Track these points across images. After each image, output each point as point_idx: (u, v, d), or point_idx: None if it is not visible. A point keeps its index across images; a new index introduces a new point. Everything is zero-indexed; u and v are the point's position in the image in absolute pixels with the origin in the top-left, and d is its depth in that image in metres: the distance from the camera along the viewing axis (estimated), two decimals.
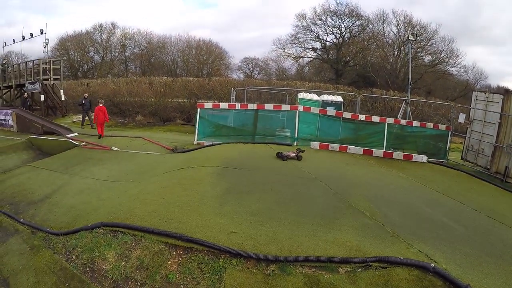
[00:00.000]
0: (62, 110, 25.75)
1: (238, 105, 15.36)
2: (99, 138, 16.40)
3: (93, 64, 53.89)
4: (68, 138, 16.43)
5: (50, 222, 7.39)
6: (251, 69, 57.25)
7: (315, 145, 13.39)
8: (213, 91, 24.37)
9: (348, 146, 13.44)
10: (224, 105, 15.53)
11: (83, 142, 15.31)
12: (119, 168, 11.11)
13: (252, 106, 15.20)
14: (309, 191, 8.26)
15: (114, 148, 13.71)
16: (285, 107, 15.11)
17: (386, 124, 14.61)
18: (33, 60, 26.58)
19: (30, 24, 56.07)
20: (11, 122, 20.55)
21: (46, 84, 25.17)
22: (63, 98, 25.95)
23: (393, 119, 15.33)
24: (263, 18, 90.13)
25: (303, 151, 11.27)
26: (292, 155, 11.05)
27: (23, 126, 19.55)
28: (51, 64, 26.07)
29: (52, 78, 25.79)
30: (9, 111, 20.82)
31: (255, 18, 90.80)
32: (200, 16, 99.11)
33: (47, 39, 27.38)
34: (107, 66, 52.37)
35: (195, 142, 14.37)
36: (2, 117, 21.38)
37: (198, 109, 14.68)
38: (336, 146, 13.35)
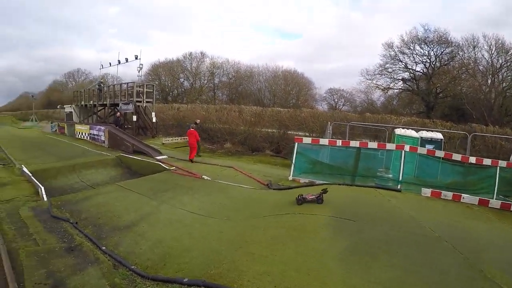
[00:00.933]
0: (152, 131, 26.43)
1: (339, 142, 13.67)
2: (191, 162, 16.16)
3: (183, 89, 56.85)
4: (158, 160, 16.21)
5: (135, 256, 6.32)
6: (336, 100, 55.68)
7: (427, 192, 11.15)
8: (304, 123, 22.96)
9: (462, 194, 11.00)
10: (324, 141, 13.94)
11: (173, 166, 14.71)
12: (211, 200, 9.96)
13: (354, 143, 13.42)
14: (438, 255, 6.33)
15: (205, 177, 12.69)
16: (390, 146, 13.14)
17: (498, 167, 11.93)
18: (127, 83, 28.09)
19: (125, 51, 61.85)
20: (103, 138, 21.58)
21: (138, 106, 26.22)
22: (154, 120, 26.78)
23: (505, 161, 12.54)
24: (346, 48, 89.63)
25: (326, 192, 9.06)
26: (310, 197, 8.93)
27: (114, 143, 20.30)
28: (145, 88, 27.46)
29: (144, 101, 27.03)
30: (103, 128, 21.93)
31: (338, 48, 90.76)
32: (284, 47, 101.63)
33: (141, 64, 29.58)
34: (196, 93, 54.79)
35: (290, 178, 12.87)
36: (96, 132, 22.66)
37: (296, 144, 13.29)
38: (449, 194, 11.00)
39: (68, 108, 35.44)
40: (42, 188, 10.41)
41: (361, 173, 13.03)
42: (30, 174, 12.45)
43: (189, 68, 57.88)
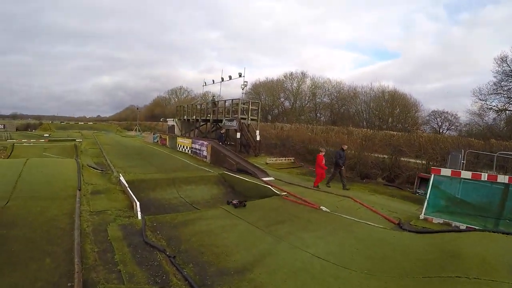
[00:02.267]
0: (255, 150, 25.05)
1: (484, 176, 10.24)
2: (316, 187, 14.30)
3: (283, 109, 55.60)
4: (265, 182, 14.34)
5: None
6: (440, 123, 49.31)
7: None
8: (423, 149, 19.47)
9: None
10: (466, 174, 10.61)
11: (284, 191, 12.60)
12: (338, 241, 7.53)
13: (503, 178, 9.94)
14: None
15: (324, 208, 10.31)
16: None
17: None
18: (232, 99, 27.18)
19: (226, 72, 63.33)
20: (205, 153, 20.78)
21: (243, 123, 24.63)
22: (258, 138, 25.55)
23: None
24: (446, 66, 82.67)
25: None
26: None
27: (217, 159, 19.35)
28: (250, 105, 26.20)
29: (249, 118, 25.90)
30: (205, 143, 21.24)
31: (438, 67, 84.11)
32: (381, 67, 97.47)
33: (246, 82, 29.34)
34: (296, 113, 52.94)
35: (421, 216, 9.87)
36: (198, 146, 22.12)
37: (432, 175, 10.36)
38: None
39: (170, 122, 36.73)
40: (138, 203, 8.93)
41: (508, 216, 9.68)
42: (127, 185, 11.34)
43: (289, 88, 57.44)
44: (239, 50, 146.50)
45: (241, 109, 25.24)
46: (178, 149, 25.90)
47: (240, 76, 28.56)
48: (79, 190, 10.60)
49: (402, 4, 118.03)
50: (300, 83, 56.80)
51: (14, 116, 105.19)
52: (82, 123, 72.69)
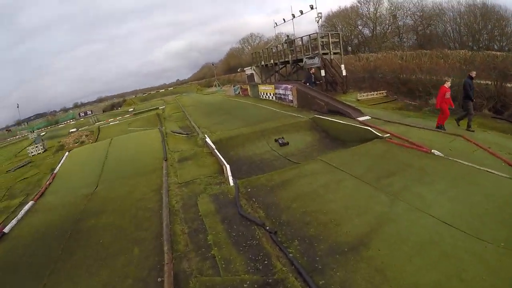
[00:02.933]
0: (343, 86, 23.10)
1: None
2: (439, 128, 11.65)
3: (363, 38, 51.09)
4: (363, 123, 12.75)
5: None
6: None
7: None
8: None
9: None
10: None
11: (386, 133, 10.87)
12: (462, 198, 6.08)
13: None
14: None
15: (436, 152, 8.50)
16: None
17: None
18: (309, 35, 24.90)
19: (295, 8, 59.29)
20: (290, 97, 19.63)
21: (325, 59, 22.61)
22: (344, 73, 23.22)
23: None
24: None
25: None
26: None
27: (304, 102, 18.09)
28: (329, 38, 23.50)
29: (332, 52, 23.35)
30: (289, 86, 19.88)
31: None
32: None
33: (320, 13, 25.94)
34: (378, 39, 48.40)
35: None
36: (282, 91, 20.92)
37: None
38: None
39: (248, 70, 35.45)
40: (228, 167, 8.21)
41: None
42: (214, 147, 10.70)
43: (366, 14, 52.03)
44: None
45: (320, 43, 22.96)
46: (261, 97, 24.95)
47: (312, 8, 25.55)
48: (165, 160, 10.25)
49: None
50: (377, 5, 51.39)
51: (100, 100, 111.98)
52: (163, 90, 75.14)
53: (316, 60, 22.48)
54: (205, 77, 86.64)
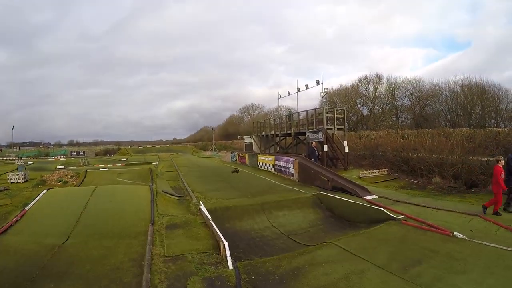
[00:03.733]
0: (344, 162, 22.19)
1: None
2: (496, 214, 9.84)
3: (361, 116, 51.75)
4: (371, 202, 11.98)
5: None
6: None
7: None
8: None
9: None
10: None
11: (401, 214, 10.00)
12: (502, 286, 5.26)
13: None
14: None
15: (458, 235, 7.66)
16: None
17: None
18: (315, 109, 24.78)
19: (294, 84, 61.65)
20: (291, 170, 18.71)
21: (329, 134, 21.96)
22: (346, 149, 22.58)
23: None
24: None
25: None
26: None
27: (306, 177, 17.18)
28: (335, 113, 23.25)
29: (336, 128, 23.04)
30: (291, 159, 19.07)
31: None
32: (454, 59, 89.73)
33: (326, 88, 26.25)
34: (377, 118, 49.14)
35: None
36: (283, 163, 20.04)
37: None
38: None
39: (247, 139, 35.29)
40: (226, 245, 6.81)
41: None
42: (210, 217, 9.25)
43: (365, 93, 53.31)
44: (305, 61, 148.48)
45: (325, 118, 22.60)
46: (259, 167, 24.07)
47: (317, 84, 26.00)
48: (152, 224, 8.77)
49: None
50: (377, 85, 52.81)
51: (95, 143, 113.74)
52: (159, 146, 75.04)
53: (320, 135, 21.86)
54: (202, 139, 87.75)
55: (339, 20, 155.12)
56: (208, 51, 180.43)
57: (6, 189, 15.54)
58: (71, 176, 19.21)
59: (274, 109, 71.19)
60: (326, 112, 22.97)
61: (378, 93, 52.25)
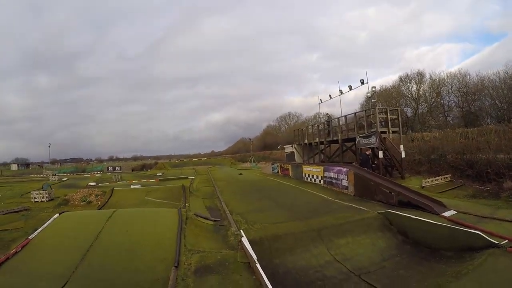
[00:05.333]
0: (401, 170, 19.45)
1: None
2: None
3: (406, 118, 48.30)
4: (452, 220, 9.68)
5: None
6: None
7: None
8: None
9: None
10: None
11: (503, 237, 7.48)
12: None
13: None
14: None
15: None
16: None
17: None
18: (365, 110, 21.83)
19: (329, 91, 59.39)
20: (345, 183, 16.12)
21: (384, 138, 19.34)
22: (403, 155, 19.64)
23: None
24: None
25: None
26: None
27: (364, 190, 14.58)
28: (388, 114, 20.45)
29: (390, 131, 20.24)
30: (344, 169, 16.49)
31: None
32: (491, 51, 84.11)
33: (374, 87, 22.99)
34: (421, 119, 47.32)
35: None
36: (333, 175, 17.49)
37: None
38: None
39: (288, 148, 33.16)
40: None
41: None
42: (255, 257, 6.69)
43: (408, 94, 50.17)
44: (340, 67, 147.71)
45: (379, 120, 19.82)
46: (305, 179, 21.58)
47: (362, 83, 22.98)
48: (176, 267, 6.41)
49: None
50: (420, 84, 49.29)
51: (135, 158, 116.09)
52: (197, 159, 73.99)
53: (373, 140, 19.17)
54: (240, 151, 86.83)
55: (371, 23, 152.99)
56: (243, 63, 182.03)
57: (26, 209, 14.70)
58: (96, 195, 17.54)
59: (312, 117, 69.76)
60: (380, 113, 20.32)
61: (421, 91, 48.91)
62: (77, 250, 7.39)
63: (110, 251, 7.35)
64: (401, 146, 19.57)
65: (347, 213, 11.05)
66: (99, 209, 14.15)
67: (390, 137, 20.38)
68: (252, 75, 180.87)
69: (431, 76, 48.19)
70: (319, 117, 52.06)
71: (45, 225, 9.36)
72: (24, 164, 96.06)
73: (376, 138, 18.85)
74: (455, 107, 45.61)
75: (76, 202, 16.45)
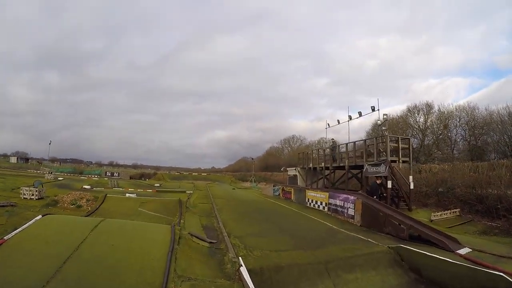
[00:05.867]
0: (408, 201, 18.67)
1: None
2: None
3: (412, 148, 48.14)
4: (469, 259, 9.06)
5: None
6: None
7: None
8: None
9: None
10: None
11: None
12: None
13: None
14: None
15: None
16: None
17: None
18: (375, 137, 21.27)
19: (337, 117, 59.07)
20: (351, 211, 15.37)
21: (393, 167, 18.59)
22: (412, 186, 18.91)
23: None
24: None
25: None
26: None
27: (371, 221, 13.86)
28: (399, 142, 19.70)
29: (401, 160, 19.36)
30: (351, 197, 15.76)
31: None
32: (498, 87, 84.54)
33: (385, 115, 22.69)
34: (426, 150, 46.62)
35: None
36: (339, 202, 16.74)
37: None
38: None
39: (291, 171, 32.54)
40: None
41: None
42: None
43: (414, 125, 49.96)
44: (347, 94, 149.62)
45: (389, 148, 19.00)
46: (308, 204, 20.75)
47: (373, 110, 22.84)
48: None
49: (504, 9, 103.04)
50: (427, 115, 48.97)
51: (135, 166, 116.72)
52: (196, 174, 73.26)
53: (382, 168, 18.31)
54: (241, 170, 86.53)
55: (381, 52, 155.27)
56: (251, 83, 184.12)
57: (12, 205, 13.73)
58: (88, 200, 16.66)
59: (316, 141, 69.30)
60: (391, 141, 19.55)
61: (429, 122, 48.59)
62: (54, 259, 6.41)
63: (90, 266, 6.40)
64: (410, 177, 18.86)
65: (355, 245, 10.13)
66: (87, 215, 13.20)
67: (400, 166, 19.63)
68: (259, 96, 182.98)
69: (439, 108, 47.97)
70: (325, 142, 51.87)
71: (25, 226, 8.38)
72: (24, 158, 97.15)
73: (386, 167, 18.03)
74: (461, 140, 45.23)
75: (65, 205, 15.66)
